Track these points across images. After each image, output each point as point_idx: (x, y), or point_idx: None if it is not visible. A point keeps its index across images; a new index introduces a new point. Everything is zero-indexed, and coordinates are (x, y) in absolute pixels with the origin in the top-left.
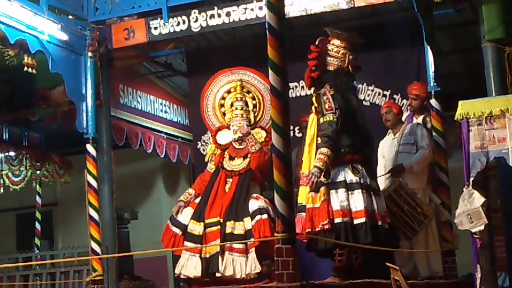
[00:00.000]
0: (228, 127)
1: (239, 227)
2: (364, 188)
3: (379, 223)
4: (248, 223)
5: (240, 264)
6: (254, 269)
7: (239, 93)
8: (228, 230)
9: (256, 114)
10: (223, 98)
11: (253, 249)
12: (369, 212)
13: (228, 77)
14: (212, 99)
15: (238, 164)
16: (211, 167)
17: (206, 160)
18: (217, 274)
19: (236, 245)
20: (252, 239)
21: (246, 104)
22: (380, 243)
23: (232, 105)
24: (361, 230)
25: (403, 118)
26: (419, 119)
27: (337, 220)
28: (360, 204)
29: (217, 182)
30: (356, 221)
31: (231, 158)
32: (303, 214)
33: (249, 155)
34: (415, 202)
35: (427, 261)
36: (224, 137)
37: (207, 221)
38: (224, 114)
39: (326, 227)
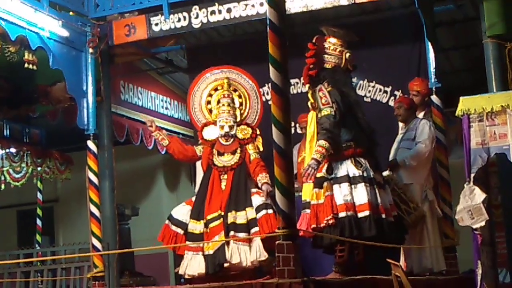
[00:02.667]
0: (214, 123)
1: (241, 217)
2: (367, 181)
3: (383, 216)
4: (250, 212)
5: (244, 252)
6: (259, 257)
7: (226, 90)
8: (230, 220)
9: (242, 111)
10: (210, 95)
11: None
12: (372, 205)
13: (216, 75)
14: (199, 96)
15: (229, 159)
16: (199, 149)
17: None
18: (225, 265)
19: (240, 234)
20: (256, 228)
21: (233, 101)
22: (384, 237)
23: (219, 102)
24: (365, 223)
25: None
26: (421, 115)
27: (341, 214)
28: (363, 198)
29: (211, 181)
30: (360, 215)
31: (220, 154)
32: (308, 210)
33: (238, 150)
34: (406, 196)
35: (419, 257)
36: (210, 132)
37: (208, 217)
38: (210, 111)
39: (331, 222)
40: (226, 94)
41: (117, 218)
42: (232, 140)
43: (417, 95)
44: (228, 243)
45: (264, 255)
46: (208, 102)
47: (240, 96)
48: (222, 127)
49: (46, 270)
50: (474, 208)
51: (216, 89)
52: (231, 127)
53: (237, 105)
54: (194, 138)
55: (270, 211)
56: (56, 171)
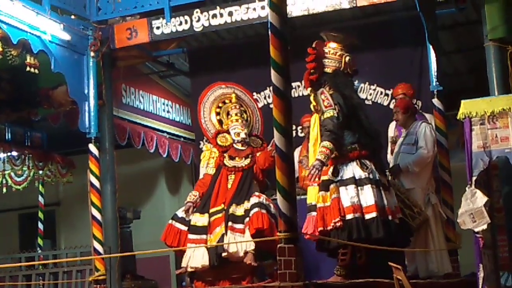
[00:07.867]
0: (227, 132)
1: (240, 209)
2: (374, 183)
3: (390, 218)
4: (247, 204)
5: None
6: (249, 247)
7: (235, 103)
8: (230, 212)
9: (248, 125)
10: (219, 107)
11: (247, 227)
12: (379, 207)
13: (223, 90)
14: (208, 107)
15: (240, 162)
16: (211, 169)
17: (202, 165)
18: (223, 254)
19: (237, 226)
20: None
21: (242, 113)
22: (391, 238)
23: (228, 113)
24: (372, 225)
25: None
26: None
27: (349, 216)
28: (370, 199)
29: (219, 179)
30: (367, 216)
31: (231, 158)
32: (314, 213)
33: (250, 156)
34: (409, 200)
35: (426, 261)
36: (224, 139)
37: (212, 210)
38: (220, 121)
39: (338, 224)
40: (238, 106)
41: (118, 221)
42: (246, 147)
43: (404, 97)
44: (226, 233)
45: (251, 246)
46: (217, 113)
47: (245, 112)
48: (238, 133)
49: (47, 274)
50: (476, 211)
51: (224, 102)
52: (246, 134)
53: (244, 117)
54: (195, 141)
55: (264, 211)
56: (57, 174)
